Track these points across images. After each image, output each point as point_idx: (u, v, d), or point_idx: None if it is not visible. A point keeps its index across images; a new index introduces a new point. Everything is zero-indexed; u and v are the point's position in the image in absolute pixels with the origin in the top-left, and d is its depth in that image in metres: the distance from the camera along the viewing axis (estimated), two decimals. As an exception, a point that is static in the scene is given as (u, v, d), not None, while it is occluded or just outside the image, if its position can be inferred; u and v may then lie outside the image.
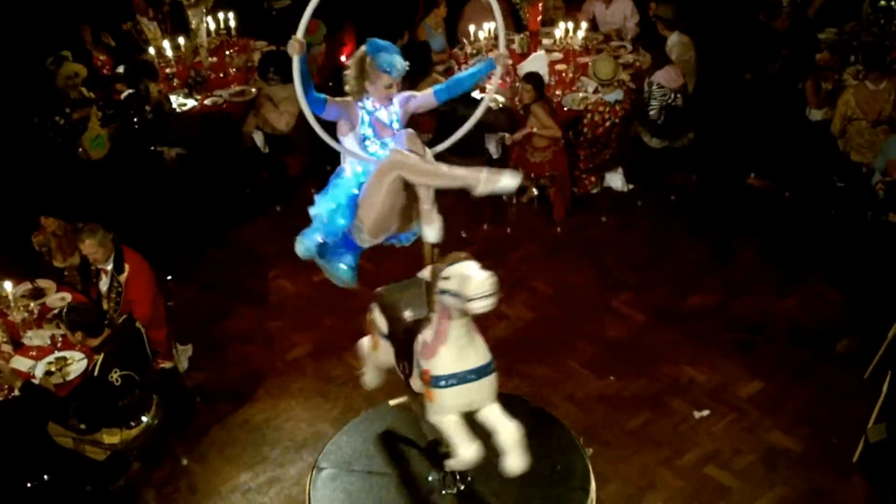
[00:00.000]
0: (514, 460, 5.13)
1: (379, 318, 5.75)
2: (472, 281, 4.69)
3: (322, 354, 8.53)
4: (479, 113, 5.32)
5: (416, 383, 5.43)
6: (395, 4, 11.92)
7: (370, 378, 6.24)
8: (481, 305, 4.68)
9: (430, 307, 5.23)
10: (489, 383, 5.22)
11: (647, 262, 9.69)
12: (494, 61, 5.31)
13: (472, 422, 5.22)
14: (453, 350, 5.07)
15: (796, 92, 10.29)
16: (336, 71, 9.69)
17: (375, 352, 5.89)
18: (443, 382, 5.11)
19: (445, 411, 5.20)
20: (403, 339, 5.50)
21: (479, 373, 5.15)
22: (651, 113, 10.02)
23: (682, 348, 8.47)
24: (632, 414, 7.78)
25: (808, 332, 8.59)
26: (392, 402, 6.42)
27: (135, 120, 9.53)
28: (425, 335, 5.21)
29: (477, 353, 5.17)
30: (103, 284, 7.49)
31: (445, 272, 4.84)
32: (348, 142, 5.11)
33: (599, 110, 9.89)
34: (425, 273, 5.29)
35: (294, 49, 4.74)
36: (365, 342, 6.12)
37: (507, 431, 5.14)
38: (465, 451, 5.14)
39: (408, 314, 5.58)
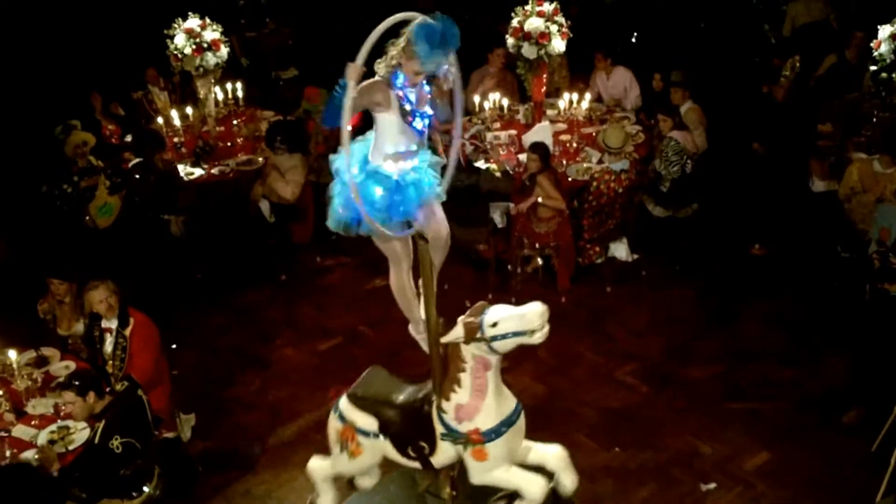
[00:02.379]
0: (572, 477, 5.41)
1: (361, 419, 5.64)
2: (529, 314, 4.91)
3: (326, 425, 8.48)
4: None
5: (445, 455, 5.41)
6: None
7: (330, 499, 6.09)
8: (544, 333, 4.92)
9: (455, 369, 5.23)
10: (523, 421, 5.41)
11: (651, 330, 9.67)
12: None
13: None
14: (494, 400, 5.19)
15: (800, 163, 10.37)
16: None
17: (355, 459, 5.70)
18: (493, 435, 5.21)
19: (502, 461, 5.28)
20: (405, 423, 5.50)
21: (517, 413, 5.35)
22: (673, 170, 10.04)
23: (688, 418, 8.41)
24: (638, 486, 7.70)
25: (814, 399, 8.52)
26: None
27: (140, 189, 9.62)
28: (456, 399, 5.22)
29: (509, 396, 5.36)
30: (108, 345, 7.52)
31: (489, 320, 4.98)
32: (386, 122, 4.96)
33: (605, 179, 9.95)
34: (458, 333, 5.20)
35: (352, 74, 4.59)
36: (319, 464, 6.01)
37: (556, 455, 5.43)
38: (535, 487, 5.24)
39: (402, 397, 5.57)
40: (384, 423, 5.57)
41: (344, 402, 5.73)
